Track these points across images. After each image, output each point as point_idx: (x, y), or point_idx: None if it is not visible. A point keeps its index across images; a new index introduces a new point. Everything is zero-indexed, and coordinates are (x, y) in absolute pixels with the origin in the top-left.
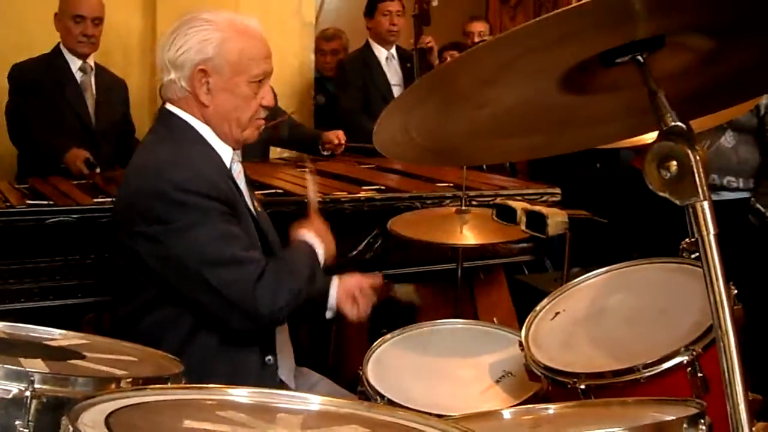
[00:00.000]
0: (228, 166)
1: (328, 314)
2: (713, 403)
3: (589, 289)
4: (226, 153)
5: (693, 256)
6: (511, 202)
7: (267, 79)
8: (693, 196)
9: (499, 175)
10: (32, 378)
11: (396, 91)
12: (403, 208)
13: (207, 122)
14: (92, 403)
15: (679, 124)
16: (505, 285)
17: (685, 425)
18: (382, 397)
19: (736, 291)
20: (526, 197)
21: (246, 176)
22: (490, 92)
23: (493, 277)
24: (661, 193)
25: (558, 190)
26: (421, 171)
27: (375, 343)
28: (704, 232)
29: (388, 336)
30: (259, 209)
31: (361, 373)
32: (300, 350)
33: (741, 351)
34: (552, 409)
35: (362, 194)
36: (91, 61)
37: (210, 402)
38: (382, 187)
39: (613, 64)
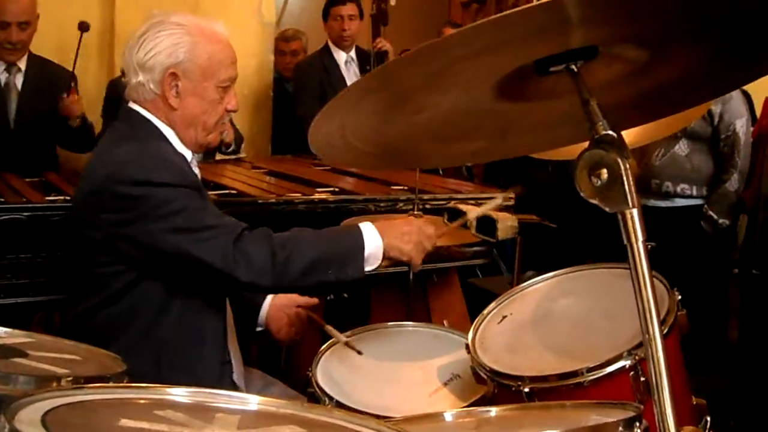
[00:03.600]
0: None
1: (258, 329)
2: (651, 405)
3: (537, 294)
4: (187, 155)
5: None
6: (462, 206)
7: (233, 83)
8: (622, 203)
9: (453, 179)
10: None
11: None
12: (357, 210)
13: (171, 125)
14: (30, 401)
15: (611, 132)
16: (458, 288)
17: (621, 428)
18: (331, 399)
19: (680, 297)
20: (480, 201)
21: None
22: (427, 97)
23: (446, 280)
24: (592, 200)
25: (512, 194)
26: (376, 174)
27: (325, 345)
28: (633, 239)
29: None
30: None
31: (310, 374)
32: (250, 350)
33: (679, 355)
34: (493, 411)
35: (316, 196)
36: (22, 62)
37: (148, 401)
38: (336, 189)
39: (548, 72)
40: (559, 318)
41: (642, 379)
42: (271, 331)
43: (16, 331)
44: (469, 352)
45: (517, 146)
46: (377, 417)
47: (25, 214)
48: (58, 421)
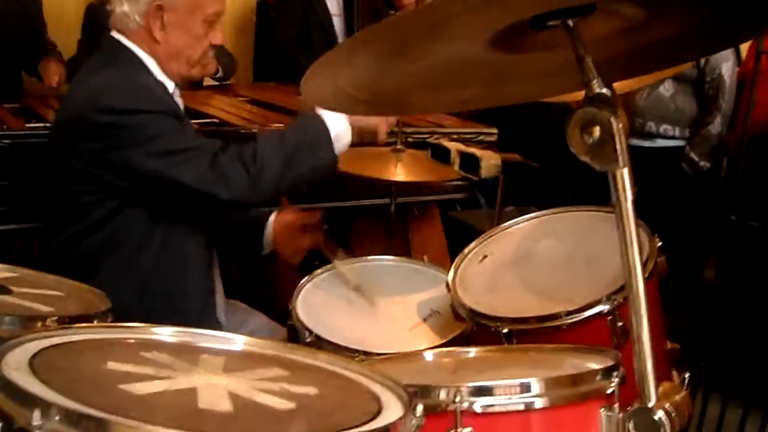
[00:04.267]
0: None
1: (265, 250)
2: (628, 349)
3: (518, 234)
4: (169, 86)
5: None
6: (446, 143)
7: (219, 18)
8: (613, 162)
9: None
10: None
11: (336, 22)
12: None
13: (154, 56)
14: (16, 343)
15: (605, 91)
16: (438, 221)
17: (599, 377)
18: (311, 332)
19: (660, 243)
20: (463, 136)
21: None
22: (422, 49)
23: (426, 213)
24: (583, 158)
25: (494, 131)
26: None
27: (305, 278)
28: (622, 198)
29: (319, 271)
30: None
31: (290, 307)
32: (232, 282)
33: (657, 301)
34: (472, 352)
35: None
36: None
37: (134, 342)
38: None
39: (544, 27)
40: (540, 259)
41: (620, 323)
42: (279, 251)
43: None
44: (449, 291)
45: (510, 94)
46: (356, 352)
47: (6, 141)
48: (45, 365)
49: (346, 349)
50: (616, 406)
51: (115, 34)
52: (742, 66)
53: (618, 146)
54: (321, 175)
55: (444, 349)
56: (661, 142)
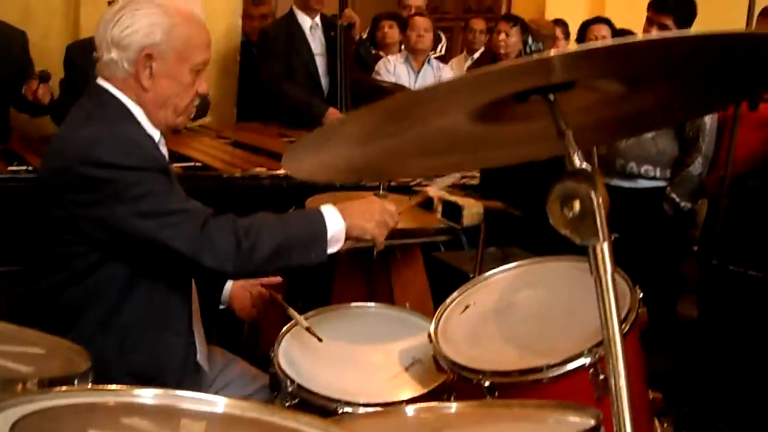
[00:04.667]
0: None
1: (222, 306)
2: (610, 403)
3: (499, 284)
4: (155, 135)
5: None
6: (428, 191)
7: (206, 67)
8: (593, 237)
9: None
10: None
11: (319, 61)
12: (322, 186)
13: (141, 105)
14: None
15: (585, 166)
16: (421, 264)
17: None
18: (293, 381)
19: (641, 294)
20: (446, 179)
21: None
22: (412, 123)
23: (409, 256)
24: (563, 231)
25: (476, 173)
26: None
27: (287, 325)
28: (602, 272)
29: (301, 318)
30: None
31: (272, 355)
32: (213, 324)
33: (639, 353)
34: (453, 408)
35: (281, 171)
36: None
37: (115, 406)
38: None
39: (526, 100)
40: (521, 310)
41: (601, 377)
42: (234, 309)
43: None
44: (431, 341)
45: (495, 159)
46: (338, 402)
47: None
48: None
49: (328, 398)
50: None
51: (101, 81)
52: None
53: (598, 221)
54: (305, 269)
55: (425, 405)
56: (642, 183)
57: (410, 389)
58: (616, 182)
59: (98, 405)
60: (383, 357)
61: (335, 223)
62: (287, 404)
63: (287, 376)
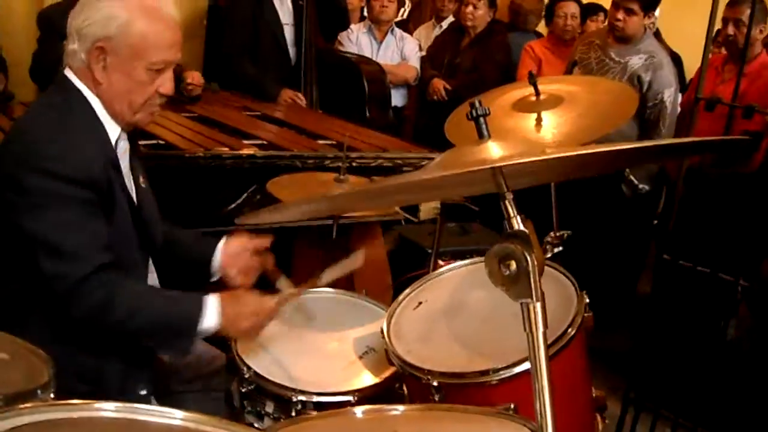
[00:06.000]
0: (114, 143)
1: (214, 278)
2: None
3: (452, 281)
4: (114, 130)
5: (555, 250)
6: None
7: (169, 67)
8: (527, 296)
9: (382, 134)
10: None
11: (287, 31)
12: (284, 166)
13: (99, 97)
14: None
15: (523, 229)
16: (381, 240)
17: None
18: (249, 368)
19: (587, 301)
20: (407, 161)
21: (134, 152)
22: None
23: (369, 232)
24: (499, 287)
25: (438, 156)
26: (304, 124)
27: None
28: (534, 330)
29: None
30: (144, 185)
31: (231, 342)
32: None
33: (583, 355)
34: (400, 410)
35: (244, 151)
36: None
37: (77, 420)
38: (264, 143)
39: None
40: (472, 311)
41: None
42: (227, 279)
43: None
44: (383, 337)
45: (436, 196)
46: (292, 391)
47: None
48: None
49: (283, 387)
50: None
51: (67, 71)
52: (685, 94)
53: (531, 282)
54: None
55: (374, 407)
56: None
57: (362, 379)
58: None
59: (60, 421)
60: (338, 345)
61: (210, 320)
62: (243, 389)
63: (244, 363)
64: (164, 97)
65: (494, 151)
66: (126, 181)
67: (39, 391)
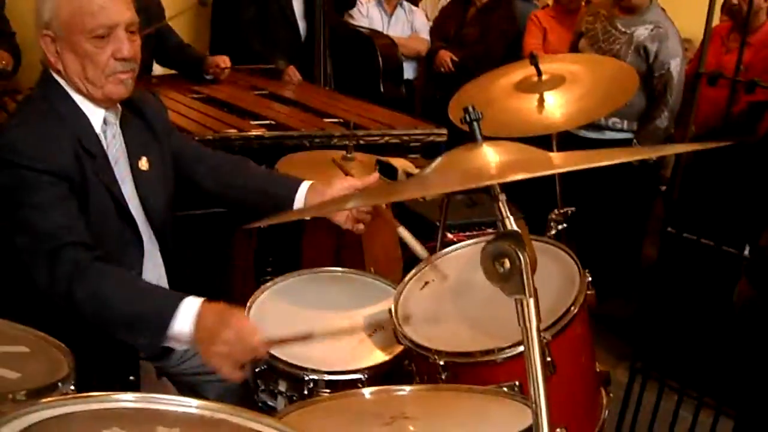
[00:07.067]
0: (99, 129)
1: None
2: (557, 381)
3: (458, 261)
4: (97, 114)
5: (559, 227)
6: (393, 161)
7: (115, 29)
8: (520, 292)
9: (389, 110)
10: None
11: (296, 5)
12: (292, 146)
13: (68, 83)
14: None
15: (516, 229)
16: (390, 214)
17: None
18: None
19: (590, 278)
20: (413, 137)
21: (133, 134)
22: None
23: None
24: (495, 285)
25: (444, 131)
26: (312, 102)
27: (257, 291)
28: (528, 325)
29: (269, 284)
30: (145, 167)
31: None
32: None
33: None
34: (406, 391)
35: (252, 132)
36: None
37: (95, 412)
38: (272, 123)
39: None
40: (477, 290)
41: (548, 359)
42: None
43: None
44: (391, 318)
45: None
46: (304, 370)
47: None
48: None
49: (295, 366)
50: None
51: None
52: (689, 64)
53: (525, 279)
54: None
55: (382, 388)
56: (609, 134)
57: (372, 357)
58: (585, 133)
59: (79, 414)
60: (348, 323)
61: (183, 324)
62: (257, 369)
63: None
64: (126, 61)
65: (490, 156)
66: (114, 167)
67: (60, 384)
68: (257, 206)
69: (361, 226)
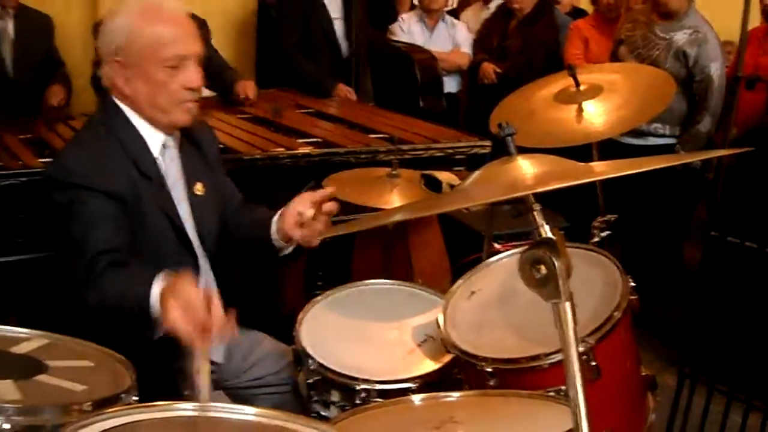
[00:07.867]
0: (156, 153)
1: (284, 252)
2: (602, 385)
3: (502, 270)
4: (156, 139)
5: (602, 234)
6: (437, 174)
7: (187, 60)
8: (556, 297)
9: (432, 124)
10: (9, 411)
11: (337, 25)
12: (339, 162)
13: (133, 109)
14: None
15: (551, 236)
16: (437, 226)
17: None
18: (314, 360)
19: (633, 284)
20: (457, 150)
21: (189, 159)
22: None
23: (426, 219)
24: (533, 290)
25: (488, 143)
26: (356, 119)
27: (308, 305)
28: (565, 328)
29: (320, 298)
30: (200, 192)
31: (294, 334)
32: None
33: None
34: (455, 397)
35: (300, 150)
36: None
37: (158, 422)
38: (319, 140)
39: None
40: (522, 297)
41: (593, 363)
42: (296, 240)
43: (33, 332)
44: (439, 328)
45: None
46: (355, 380)
47: (22, 179)
48: None
49: (347, 376)
50: None
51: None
52: (729, 68)
53: (561, 284)
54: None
55: (430, 395)
56: (652, 140)
57: (422, 366)
58: (627, 140)
59: (143, 423)
60: (397, 333)
61: (155, 296)
62: (309, 381)
63: (309, 355)
64: (194, 91)
65: (525, 168)
66: (172, 190)
67: (123, 395)
68: (246, 243)
69: (305, 232)
